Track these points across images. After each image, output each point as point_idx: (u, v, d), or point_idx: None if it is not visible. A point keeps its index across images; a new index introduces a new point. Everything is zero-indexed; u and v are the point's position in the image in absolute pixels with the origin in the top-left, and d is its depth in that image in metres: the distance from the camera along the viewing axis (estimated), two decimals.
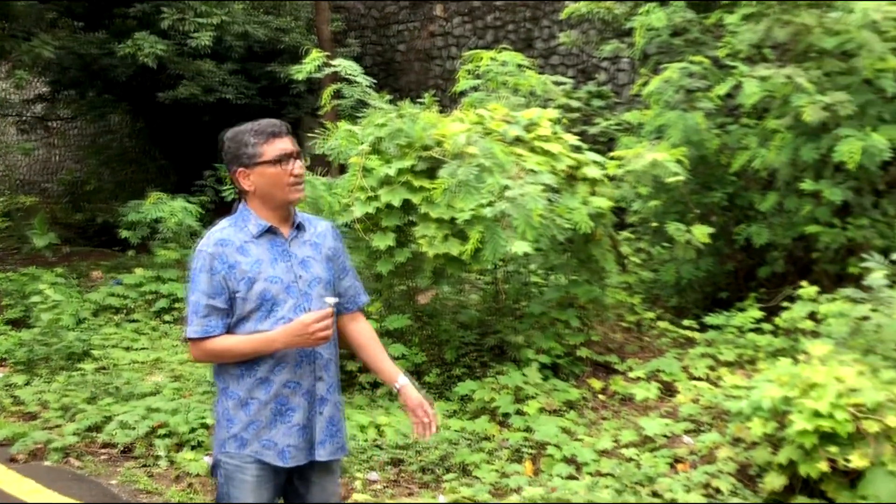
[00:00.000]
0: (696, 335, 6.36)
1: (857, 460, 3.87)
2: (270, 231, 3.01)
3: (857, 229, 6.06)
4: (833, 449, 3.95)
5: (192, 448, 5.76)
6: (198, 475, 5.43)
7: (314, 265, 3.06)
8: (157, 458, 5.68)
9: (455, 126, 5.63)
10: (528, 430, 5.36)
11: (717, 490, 4.39)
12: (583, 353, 6.14)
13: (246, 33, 11.30)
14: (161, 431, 5.89)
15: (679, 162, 5.67)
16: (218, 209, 11.91)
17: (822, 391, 4.03)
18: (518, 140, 5.80)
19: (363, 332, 3.30)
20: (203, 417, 6.01)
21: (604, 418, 5.58)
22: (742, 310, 6.53)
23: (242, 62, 13.01)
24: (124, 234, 9.94)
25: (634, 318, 6.58)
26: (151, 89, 13.19)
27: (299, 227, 3.09)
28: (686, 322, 6.50)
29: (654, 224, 6.96)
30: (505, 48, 6.78)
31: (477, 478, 4.95)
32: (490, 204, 5.17)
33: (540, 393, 5.68)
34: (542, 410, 5.53)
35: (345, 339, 3.28)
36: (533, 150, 5.80)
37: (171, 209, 8.73)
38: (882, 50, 5.66)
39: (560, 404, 5.62)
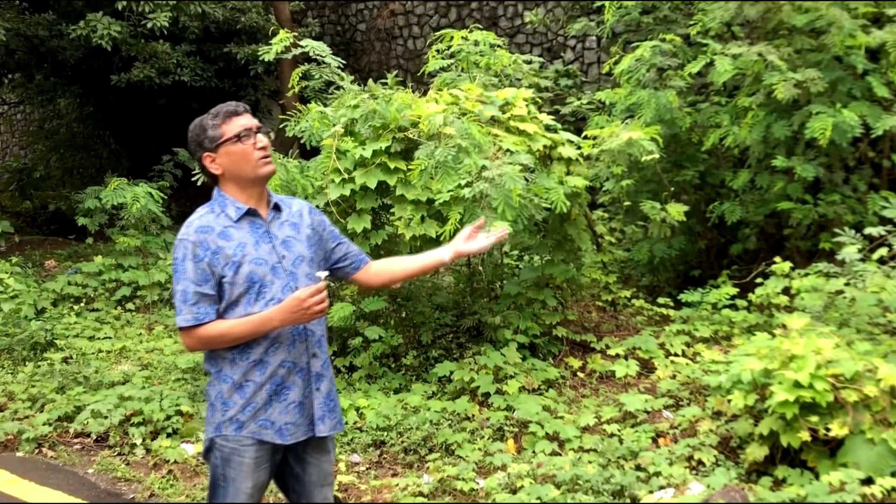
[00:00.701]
0: (672, 313, 6.55)
1: (836, 429, 4.07)
2: (250, 213, 3.08)
3: (829, 205, 6.28)
4: (813, 419, 4.13)
5: (169, 435, 5.83)
6: (175, 462, 5.50)
7: (296, 244, 3.14)
8: (133, 446, 5.74)
9: (431, 107, 5.71)
10: (508, 408, 5.50)
11: (700, 462, 4.57)
12: (560, 332, 6.29)
13: (203, 13, 11.24)
14: (135, 420, 5.94)
15: (654, 140, 5.82)
16: (177, 194, 11.88)
17: (802, 363, 4.21)
18: (493, 120, 5.90)
19: (386, 265, 3.43)
20: (178, 405, 6.07)
21: (583, 396, 5.75)
22: (716, 287, 6.73)
23: (199, 43, 12.94)
24: (82, 221, 9.87)
25: (610, 297, 6.75)
26: (103, 72, 13.06)
27: (276, 208, 3.17)
28: (661, 300, 6.68)
29: (627, 203, 7.13)
30: (476, 26, 6.87)
31: (460, 457, 5.08)
32: (469, 184, 5.27)
33: (519, 372, 5.82)
34: (522, 389, 5.67)
35: (376, 284, 3.43)
36: (508, 130, 5.91)
37: (133, 195, 8.69)
38: (851, 27, 5.86)
39: (539, 383, 5.77)
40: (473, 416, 5.55)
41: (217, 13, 11.64)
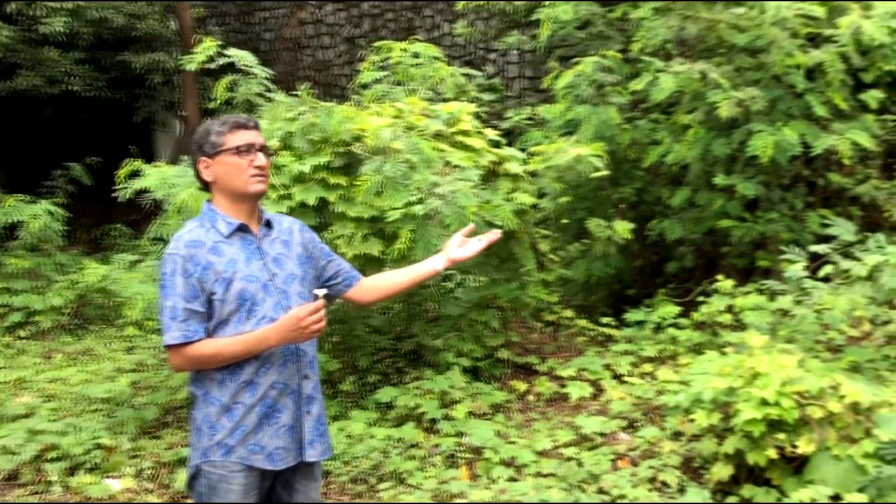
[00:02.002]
0: (615, 332, 6.72)
1: (803, 446, 4.27)
2: (241, 229, 3.09)
3: (767, 223, 6.57)
4: (780, 436, 4.33)
5: (89, 471, 5.65)
6: (100, 499, 5.34)
7: (287, 262, 3.16)
8: (49, 483, 5.53)
9: (375, 120, 5.75)
10: (458, 434, 5.55)
11: (664, 483, 4.71)
12: (503, 354, 6.38)
13: (104, 19, 10.98)
14: (50, 455, 5.73)
15: (599, 157, 6.00)
16: (73, 210, 11.53)
17: (767, 380, 4.41)
18: (439, 135, 5.98)
19: (378, 280, 3.46)
20: (97, 437, 5.90)
21: (533, 420, 5.84)
22: (651, 306, 6.95)
23: (91, 50, 12.63)
24: None
25: (553, 318, 6.88)
26: None
27: (268, 225, 3.19)
28: (604, 320, 6.85)
29: (565, 221, 7.30)
30: (417, 39, 6.95)
31: (412, 486, 5.10)
32: (420, 201, 5.32)
33: (466, 397, 5.88)
34: (470, 414, 5.73)
35: (369, 300, 3.46)
36: (454, 145, 6.00)
37: (32, 213, 8.40)
38: (791, 47, 6.18)
39: (487, 408, 5.84)
40: (420, 443, 5.57)
41: (118, 19, 11.39)
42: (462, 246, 3.43)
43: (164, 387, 6.98)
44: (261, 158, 3.07)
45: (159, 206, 7.71)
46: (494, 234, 3.48)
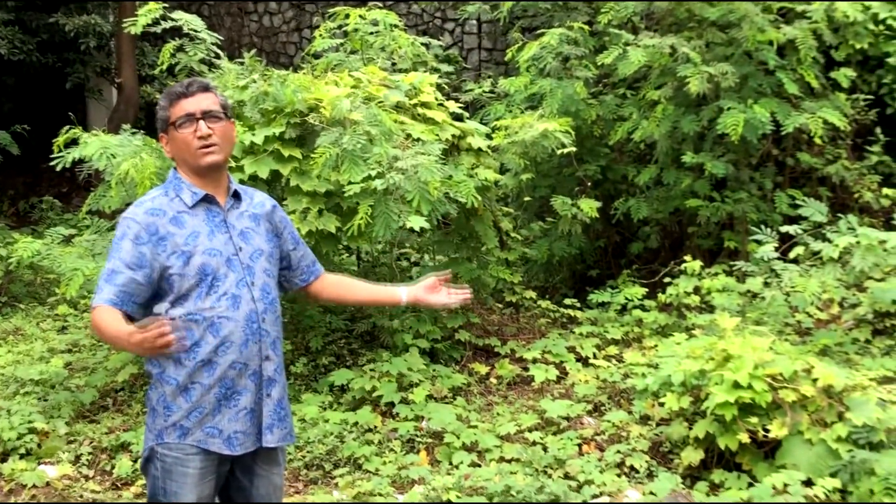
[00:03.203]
0: (579, 314, 6.78)
1: (775, 430, 4.36)
2: (206, 200, 3.05)
3: (735, 203, 6.68)
4: (753, 420, 4.42)
5: (22, 457, 5.57)
6: (35, 486, 5.26)
7: (255, 237, 3.12)
8: None
9: (333, 90, 5.70)
10: (416, 418, 5.56)
11: (633, 468, 4.78)
12: (462, 336, 6.40)
13: None
14: None
15: (567, 133, 6.03)
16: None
17: (739, 362, 4.49)
18: (399, 107, 5.96)
19: (338, 283, 3.47)
20: (30, 421, 5.81)
21: (494, 403, 5.88)
22: (615, 288, 7.03)
23: (18, 11, 12.31)
24: None
25: (514, 299, 6.92)
26: None
27: (236, 196, 3.15)
28: (568, 301, 6.91)
29: (528, 198, 7.34)
30: (376, 5, 6.90)
31: (370, 471, 5.11)
32: (380, 176, 5.30)
33: (424, 379, 5.89)
34: (429, 398, 5.75)
35: (321, 299, 3.46)
36: (415, 117, 5.98)
37: None
38: (763, 22, 6.27)
39: (447, 391, 5.86)
40: (377, 427, 5.58)
41: None
42: (433, 292, 3.37)
43: (102, 368, 6.88)
44: (202, 128, 3.00)
45: (92, 178, 7.58)
46: (465, 295, 3.43)
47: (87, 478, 5.41)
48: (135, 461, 5.42)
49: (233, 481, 3.17)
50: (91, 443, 5.75)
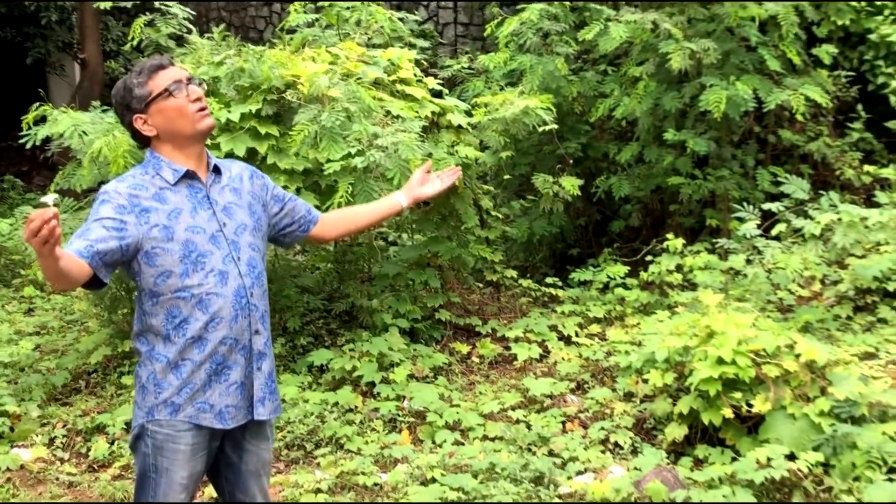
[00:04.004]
0: (560, 293, 6.92)
1: (759, 405, 4.51)
2: (188, 176, 3.10)
3: (717, 181, 6.83)
4: (736, 395, 4.57)
5: None
6: (9, 469, 5.32)
7: (237, 211, 3.18)
8: None
9: (311, 66, 5.77)
10: (398, 398, 5.68)
11: (617, 445, 4.93)
12: (443, 315, 6.52)
13: None
14: None
15: (548, 110, 6.14)
16: None
17: (723, 338, 4.64)
18: (377, 83, 6.04)
19: (340, 216, 3.61)
20: (2, 404, 5.87)
21: (476, 382, 6.01)
22: (596, 266, 7.17)
23: None
24: None
25: (494, 278, 7.04)
26: None
27: (216, 171, 3.20)
28: (549, 280, 7.05)
29: (507, 176, 7.45)
30: None
31: (351, 451, 5.22)
32: (360, 153, 5.39)
33: (405, 359, 6.01)
34: (410, 377, 5.86)
35: (330, 237, 3.60)
36: (393, 94, 6.07)
37: None
38: None
39: (429, 370, 5.98)
40: (357, 407, 5.68)
41: None
42: (424, 183, 3.55)
43: (73, 350, 6.94)
44: (195, 90, 3.07)
45: (55, 157, 7.58)
46: (455, 171, 3.59)
47: (62, 460, 5.48)
48: (111, 443, 5.51)
49: (222, 457, 3.25)
50: (65, 425, 5.82)
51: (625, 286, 6.75)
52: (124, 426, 5.62)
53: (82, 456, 5.55)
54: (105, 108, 6.35)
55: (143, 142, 3.14)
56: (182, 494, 3.10)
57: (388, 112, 5.81)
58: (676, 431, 4.76)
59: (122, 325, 6.90)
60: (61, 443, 5.64)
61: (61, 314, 8.22)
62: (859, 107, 7.42)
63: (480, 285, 7.31)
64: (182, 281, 3.02)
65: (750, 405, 4.56)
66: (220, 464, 3.27)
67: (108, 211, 2.94)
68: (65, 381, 6.42)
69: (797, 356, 4.61)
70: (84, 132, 5.99)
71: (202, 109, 3.08)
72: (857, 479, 4.23)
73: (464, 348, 6.36)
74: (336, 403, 5.68)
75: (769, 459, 4.30)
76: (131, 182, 3.03)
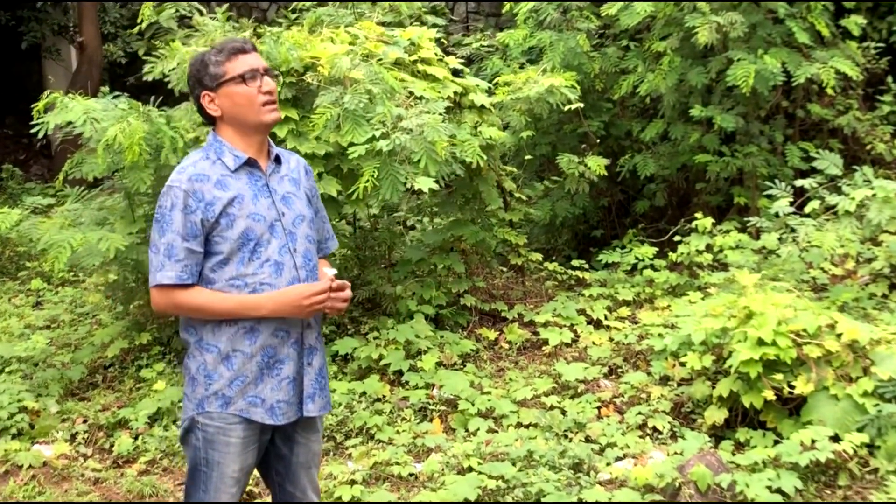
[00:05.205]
0: (587, 276, 7.00)
1: (801, 386, 4.61)
2: (249, 164, 3.18)
3: (745, 157, 6.90)
4: (777, 377, 4.66)
5: (15, 436, 5.70)
6: (32, 466, 5.40)
7: (296, 202, 3.26)
8: None
9: (330, 48, 5.83)
10: (427, 386, 5.77)
11: (655, 429, 5.02)
12: (468, 301, 6.61)
13: None
14: None
15: (573, 88, 6.21)
16: None
17: (762, 319, 4.73)
18: (398, 63, 6.10)
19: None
20: (20, 400, 5.94)
21: (505, 369, 6.10)
22: (623, 248, 7.25)
23: None
24: None
25: (519, 261, 7.12)
26: None
27: (277, 161, 3.28)
28: (575, 262, 7.13)
29: (528, 157, 7.52)
30: None
31: (382, 441, 5.31)
32: (384, 136, 5.46)
33: (432, 346, 6.09)
34: (439, 365, 5.95)
35: None
36: (414, 74, 6.14)
37: None
38: None
39: (457, 357, 6.07)
40: (385, 396, 5.77)
41: None
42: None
43: (88, 344, 7.02)
44: (268, 83, 3.16)
45: (52, 146, 7.62)
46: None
47: (85, 456, 5.55)
48: (135, 438, 5.59)
49: (272, 449, 3.32)
50: (85, 421, 5.90)
51: (653, 267, 6.82)
52: (147, 420, 5.72)
53: (105, 451, 5.63)
54: (118, 93, 6.42)
55: (207, 119, 3.23)
56: (234, 488, 3.18)
57: (411, 93, 5.88)
58: (716, 415, 4.86)
59: (137, 317, 6.98)
60: (83, 438, 5.72)
61: (71, 307, 8.30)
62: (889, 79, 7.48)
63: (504, 269, 7.39)
64: (237, 269, 3.10)
65: (791, 387, 4.65)
66: (270, 456, 3.34)
67: (180, 217, 3.06)
68: (81, 376, 6.50)
69: (839, 336, 4.70)
70: (95, 119, 6.04)
71: (271, 103, 3.16)
72: None
73: (491, 334, 6.45)
74: (364, 393, 5.76)
75: (813, 441, 4.40)
76: (192, 172, 3.10)
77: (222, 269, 3.10)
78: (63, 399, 6.18)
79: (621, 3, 6.61)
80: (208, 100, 3.16)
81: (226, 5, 7.24)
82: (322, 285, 3.12)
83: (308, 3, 7.11)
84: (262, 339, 3.14)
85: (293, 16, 8.76)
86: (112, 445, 5.60)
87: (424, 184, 5.43)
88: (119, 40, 12.62)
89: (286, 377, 3.19)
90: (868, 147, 7.20)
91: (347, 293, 3.19)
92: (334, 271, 3.21)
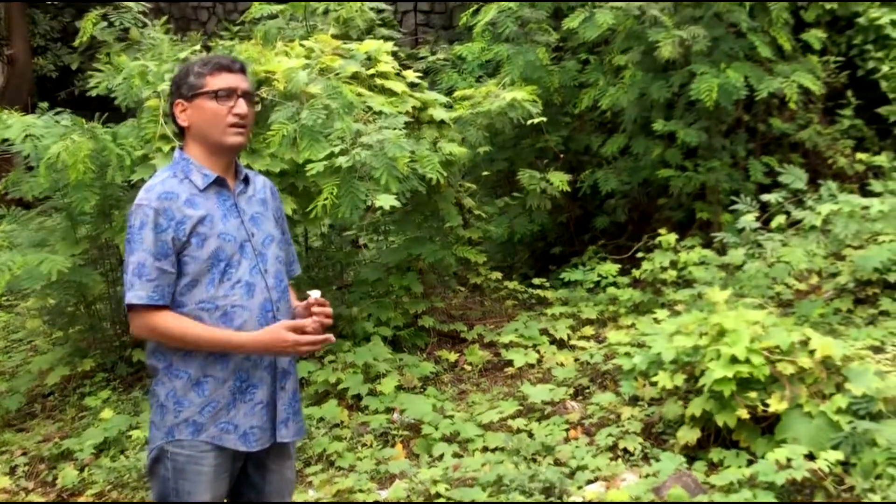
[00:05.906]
0: (548, 294, 7.06)
1: (775, 404, 4.68)
2: (217, 183, 3.18)
3: (708, 172, 7.02)
4: (751, 395, 4.73)
5: None
6: None
7: (265, 222, 3.27)
8: None
9: (286, 62, 5.84)
10: (387, 410, 5.76)
11: (626, 451, 5.07)
12: (426, 322, 6.63)
13: None
14: None
15: (534, 101, 6.28)
16: None
17: (735, 336, 4.80)
18: (355, 77, 6.12)
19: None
20: None
21: (467, 391, 6.12)
22: (583, 265, 7.32)
23: None
24: None
25: (478, 280, 7.16)
26: None
27: (245, 181, 3.30)
28: (537, 281, 7.18)
29: (486, 172, 7.57)
30: None
31: (343, 468, 5.29)
32: (343, 153, 5.47)
33: (392, 369, 6.10)
34: (399, 388, 5.95)
35: None
36: (372, 88, 6.16)
37: None
38: None
39: (417, 380, 6.08)
40: (344, 422, 5.76)
41: None
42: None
43: (24, 371, 6.93)
44: (242, 106, 3.16)
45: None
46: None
47: (27, 490, 5.49)
48: (81, 469, 5.52)
49: (244, 478, 3.30)
50: (24, 453, 5.83)
51: (616, 285, 6.90)
52: (94, 450, 5.65)
53: (48, 485, 5.56)
54: (59, 109, 6.35)
55: (178, 129, 3.25)
56: None
57: (370, 108, 5.90)
58: (689, 435, 4.91)
59: (79, 343, 6.89)
60: (24, 471, 5.64)
61: (4, 333, 8.18)
62: (849, 93, 7.66)
63: (462, 288, 7.42)
64: (208, 291, 3.09)
65: (765, 405, 4.72)
66: (241, 485, 3.32)
67: (150, 236, 3.05)
68: (19, 405, 6.41)
69: (811, 352, 4.79)
70: (36, 136, 5.97)
71: (239, 126, 3.17)
72: (878, 476, 4.40)
73: (451, 356, 6.47)
74: (321, 419, 5.75)
75: (789, 460, 4.46)
76: (161, 190, 3.10)
77: (191, 291, 3.09)
78: (0, 431, 6.09)
79: (583, 14, 6.68)
80: (180, 108, 3.18)
81: (164, 17, 7.22)
82: (301, 323, 3.11)
83: (254, 15, 7.07)
84: (235, 364, 3.13)
85: (235, 28, 8.75)
86: (56, 478, 5.53)
87: (385, 201, 5.44)
88: (49, 53, 12.49)
89: (259, 402, 3.18)
90: (830, 161, 7.36)
91: (329, 310, 3.20)
92: (318, 292, 3.21)
